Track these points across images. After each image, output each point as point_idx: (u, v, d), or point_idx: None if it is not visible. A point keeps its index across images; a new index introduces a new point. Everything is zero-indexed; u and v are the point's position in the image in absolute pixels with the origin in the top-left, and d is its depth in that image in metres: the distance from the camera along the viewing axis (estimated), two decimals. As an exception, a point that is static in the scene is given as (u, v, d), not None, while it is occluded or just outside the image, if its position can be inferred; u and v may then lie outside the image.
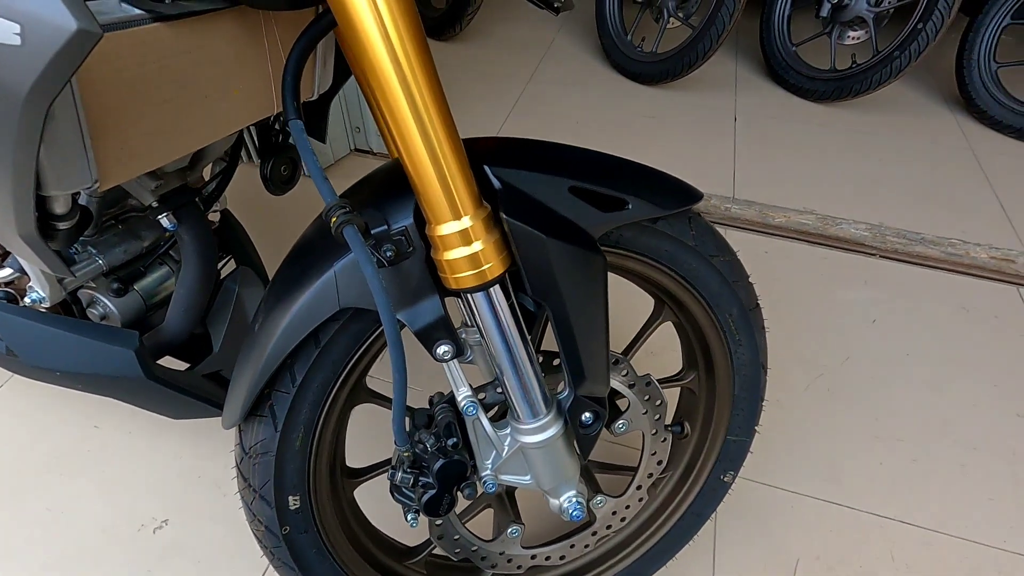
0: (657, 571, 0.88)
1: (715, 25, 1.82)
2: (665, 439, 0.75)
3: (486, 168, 0.50)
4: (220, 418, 0.77)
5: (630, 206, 0.56)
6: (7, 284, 0.76)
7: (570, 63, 2.29)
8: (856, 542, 1.01)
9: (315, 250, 0.55)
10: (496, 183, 0.50)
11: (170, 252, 0.84)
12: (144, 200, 0.68)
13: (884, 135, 1.92)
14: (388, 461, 0.73)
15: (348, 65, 0.53)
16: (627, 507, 0.78)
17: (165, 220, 0.70)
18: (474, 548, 0.72)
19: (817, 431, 1.16)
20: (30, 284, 0.71)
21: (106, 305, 0.78)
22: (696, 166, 1.80)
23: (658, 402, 0.72)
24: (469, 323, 0.58)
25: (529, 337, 0.57)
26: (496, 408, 0.68)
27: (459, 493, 0.60)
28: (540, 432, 0.60)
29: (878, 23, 1.89)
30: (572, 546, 0.78)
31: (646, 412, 0.72)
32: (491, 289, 0.51)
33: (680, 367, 0.83)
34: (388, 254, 0.50)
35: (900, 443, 1.15)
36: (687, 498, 0.85)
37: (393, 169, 0.60)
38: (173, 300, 0.78)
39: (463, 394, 0.58)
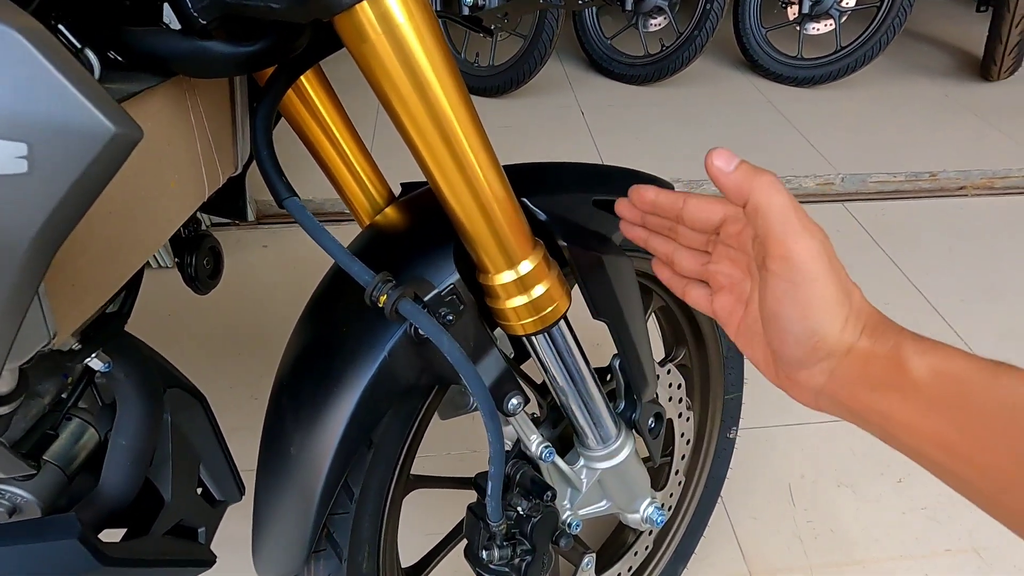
0: (699, 543, 0.91)
1: (544, 31, 1.93)
2: (689, 418, 0.78)
3: (524, 200, 0.47)
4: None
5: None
6: None
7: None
8: (824, 451, 1.14)
9: (339, 341, 0.47)
10: (541, 215, 0.47)
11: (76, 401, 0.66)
12: (64, 345, 0.52)
13: (703, 103, 2.19)
14: (442, 547, 0.65)
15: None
16: (671, 495, 0.79)
17: (96, 362, 0.54)
18: (557, 596, 0.67)
19: (750, 367, 1.29)
20: (-94, 505, 0.51)
21: (15, 495, 0.59)
22: (569, 160, 1.89)
23: (679, 385, 0.74)
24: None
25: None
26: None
27: (555, 546, 0.55)
28: (616, 455, 0.58)
29: (673, 9, 2.15)
30: (636, 553, 0.77)
31: (671, 399, 0.74)
32: (556, 327, 0.48)
33: (664, 352, 0.86)
34: (448, 318, 0.45)
35: (818, 355, 1.32)
36: (705, 464, 0.89)
37: (394, 228, 0.53)
38: (110, 455, 0.62)
39: (536, 442, 0.54)
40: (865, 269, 1.54)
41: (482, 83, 2.12)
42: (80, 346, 0.54)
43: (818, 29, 2.21)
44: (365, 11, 0.34)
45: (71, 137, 0.22)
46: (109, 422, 0.67)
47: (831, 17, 2.17)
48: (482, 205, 0.41)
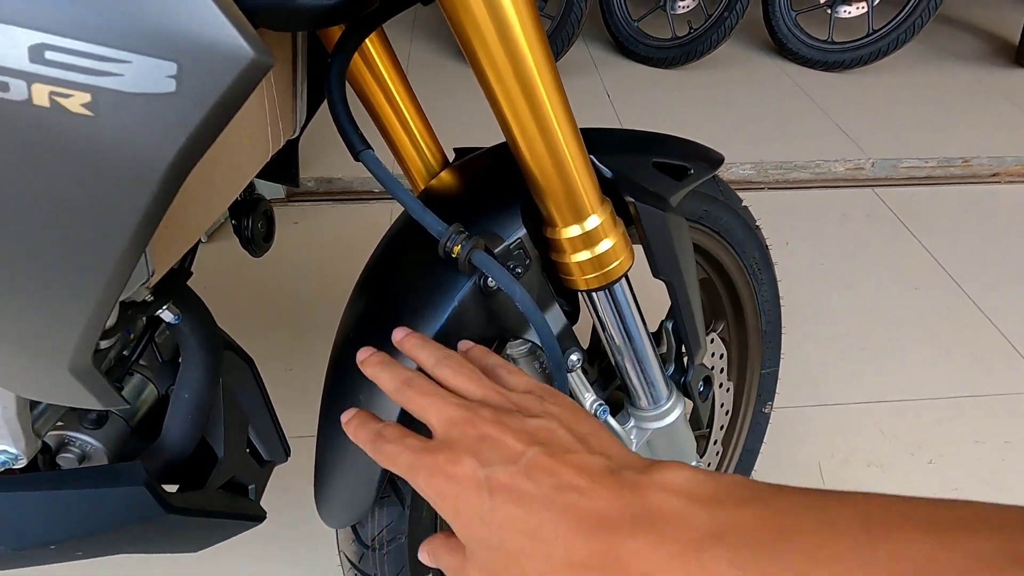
0: (732, 516, 0.92)
1: (573, 13, 1.92)
2: (729, 389, 0.79)
3: (592, 157, 0.48)
4: (249, 531, 0.66)
5: (691, 171, 0.57)
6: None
7: (434, 70, 2.27)
8: (852, 430, 1.15)
9: (407, 291, 0.49)
10: (607, 172, 0.48)
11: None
12: (137, 296, 0.54)
13: (731, 87, 2.17)
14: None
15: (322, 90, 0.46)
16: (709, 464, 0.80)
17: (167, 314, 0.56)
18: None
19: (785, 348, 1.29)
20: (-9, 445, 0.53)
21: (85, 442, 0.61)
22: (592, 144, 1.89)
23: (721, 355, 0.75)
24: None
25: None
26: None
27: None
28: (667, 415, 0.59)
29: (702, -10, 2.13)
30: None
31: (712, 368, 0.74)
32: (618, 284, 0.49)
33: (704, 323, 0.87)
34: (517, 271, 0.46)
35: (847, 337, 1.32)
36: (740, 438, 0.90)
37: (462, 184, 0.54)
38: (172, 408, 0.64)
39: (590, 400, 0.55)
40: (896, 254, 1.53)
41: (508, 65, 2.11)
42: (152, 298, 0.56)
43: (850, 12, 2.17)
44: (462, -37, 0.34)
45: (216, 59, 0.24)
46: (168, 378, 0.69)
47: (863, 0, 2.14)
48: (557, 158, 0.42)
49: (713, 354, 0.74)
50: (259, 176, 0.64)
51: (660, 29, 2.24)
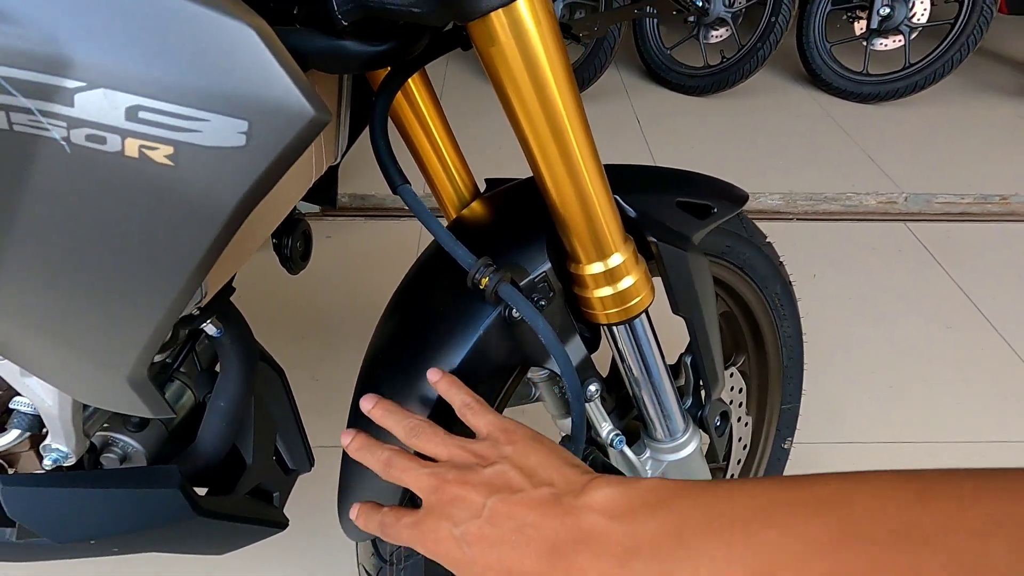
0: (747, 551, 0.91)
1: (606, 39, 1.96)
2: (747, 423, 0.79)
3: (616, 197, 0.50)
4: (271, 537, 0.69)
5: (715, 210, 0.59)
6: (-13, 454, 0.61)
7: (471, 88, 2.32)
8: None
9: (435, 318, 0.51)
10: (631, 212, 0.50)
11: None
12: (188, 309, 0.58)
13: (762, 116, 2.17)
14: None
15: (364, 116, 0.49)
16: (724, 498, 0.80)
17: (211, 327, 0.60)
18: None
19: (809, 382, 1.27)
20: (45, 443, 0.57)
21: (127, 443, 0.65)
22: (621, 169, 1.91)
23: (741, 390, 0.75)
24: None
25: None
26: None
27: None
28: (683, 448, 0.60)
29: (736, 21, 2.15)
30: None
31: (731, 402, 0.75)
32: (638, 320, 0.51)
33: (724, 357, 0.87)
34: (541, 303, 0.48)
35: (874, 374, 1.30)
36: (759, 472, 0.90)
37: (491, 216, 0.57)
38: (208, 416, 0.67)
39: (607, 429, 0.56)
40: (928, 290, 1.50)
41: (540, 88, 2.16)
42: (199, 312, 0.59)
43: (886, 45, 2.16)
44: (499, 16, 0.37)
45: (281, 117, 0.27)
46: (206, 386, 0.73)
47: (900, 33, 2.13)
48: (583, 198, 0.44)
49: (732, 388, 0.74)
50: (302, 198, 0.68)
51: (693, 57, 2.26)
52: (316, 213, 1.73)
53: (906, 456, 1.15)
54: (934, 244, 1.65)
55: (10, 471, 0.63)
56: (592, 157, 0.44)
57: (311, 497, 0.98)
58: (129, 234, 0.29)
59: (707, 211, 0.58)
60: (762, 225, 1.92)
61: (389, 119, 0.63)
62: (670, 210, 0.53)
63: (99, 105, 0.25)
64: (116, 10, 0.24)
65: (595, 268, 0.47)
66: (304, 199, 0.74)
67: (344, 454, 0.60)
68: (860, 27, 2.19)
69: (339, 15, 0.42)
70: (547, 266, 0.49)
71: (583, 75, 2.06)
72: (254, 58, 0.26)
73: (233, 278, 0.70)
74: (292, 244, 0.74)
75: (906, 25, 2.11)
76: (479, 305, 0.48)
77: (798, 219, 1.75)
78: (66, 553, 0.60)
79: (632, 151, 1.99)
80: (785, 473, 0.92)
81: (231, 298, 0.70)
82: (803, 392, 0.89)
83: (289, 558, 0.98)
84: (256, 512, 0.72)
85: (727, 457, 0.78)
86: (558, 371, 0.46)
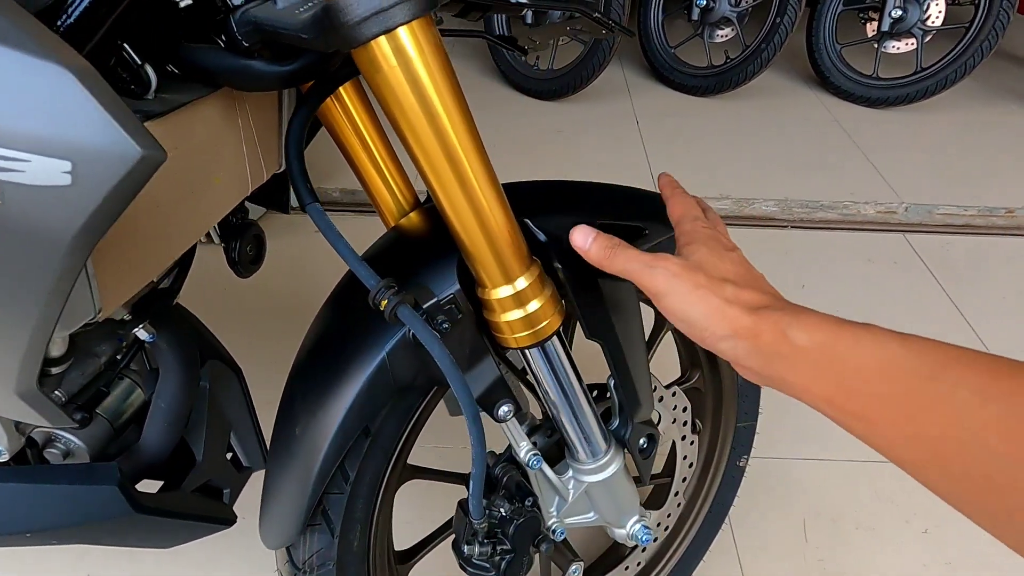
0: (697, 566, 0.91)
1: (606, 38, 1.93)
2: (693, 442, 0.78)
3: (527, 221, 0.49)
4: (227, 533, 0.70)
5: (647, 232, 0.58)
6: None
7: (468, 85, 2.31)
8: (846, 489, 1.11)
9: (347, 336, 0.52)
10: (540, 235, 0.50)
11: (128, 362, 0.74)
12: (116, 315, 0.59)
13: (765, 119, 2.13)
14: (434, 536, 0.69)
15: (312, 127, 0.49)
16: (668, 515, 0.80)
17: (142, 332, 0.61)
18: (541, 599, 0.70)
19: (784, 396, 1.25)
20: (-21, 440, 0.59)
21: (69, 440, 0.67)
22: (616, 169, 1.89)
23: (684, 408, 0.74)
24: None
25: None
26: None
27: (535, 550, 0.58)
28: (604, 469, 0.60)
29: (741, 20, 2.10)
30: (627, 568, 0.79)
31: (675, 420, 0.74)
32: (548, 343, 0.51)
33: (680, 373, 0.86)
34: (444, 326, 0.48)
35: (854, 391, 1.27)
36: (711, 490, 0.89)
37: (414, 233, 0.57)
38: (151, 415, 0.69)
39: (525, 449, 0.56)
40: (920, 306, 1.46)
41: (540, 87, 2.14)
42: (130, 317, 0.61)
43: (898, 48, 2.09)
44: (380, 45, 0.37)
45: (107, 158, 0.27)
46: (155, 384, 0.75)
47: (913, 36, 2.06)
48: (482, 224, 0.44)
49: (675, 407, 0.73)
50: (250, 201, 0.69)
51: (697, 57, 2.22)
52: (286, 212, 1.74)
53: (882, 476, 1.12)
54: (932, 257, 1.61)
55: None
56: (489, 182, 0.43)
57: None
58: (-29, 265, 0.30)
59: (638, 233, 0.57)
60: (756, 232, 1.90)
61: (326, 129, 0.63)
62: (590, 233, 0.52)
63: (-85, 146, 0.25)
64: (-73, 55, 0.25)
65: (500, 292, 0.47)
66: (254, 203, 0.75)
67: (268, 460, 0.61)
68: (872, 29, 2.12)
69: (239, 36, 0.43)
70: (455, 288, 0.49)
71: (583, 72, 2.04)
72: (73, 100, 0.26)
73: (181, 283, 0.72)
74: (241, 248, 0.75)
75: (919, 28, 2.04)
76: (385, 326, 0.49)
77: (793, 227, 1.72)
78: (2, 544, 0.62)
79: (627, 151, 1.96)
80: (753, 488, 0.91)
81: (213, 289, 0.71)
82: (767, 406, 0.88)
83: (251, 551, 1.01)
84: (201, 509, 0.74)
85: (671, 474, 0.78)
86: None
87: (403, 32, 0.37)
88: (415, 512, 0.99)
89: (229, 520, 0.75)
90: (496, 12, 0.50)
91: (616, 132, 2.04)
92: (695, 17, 2.14)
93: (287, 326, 1.42)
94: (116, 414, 0.73)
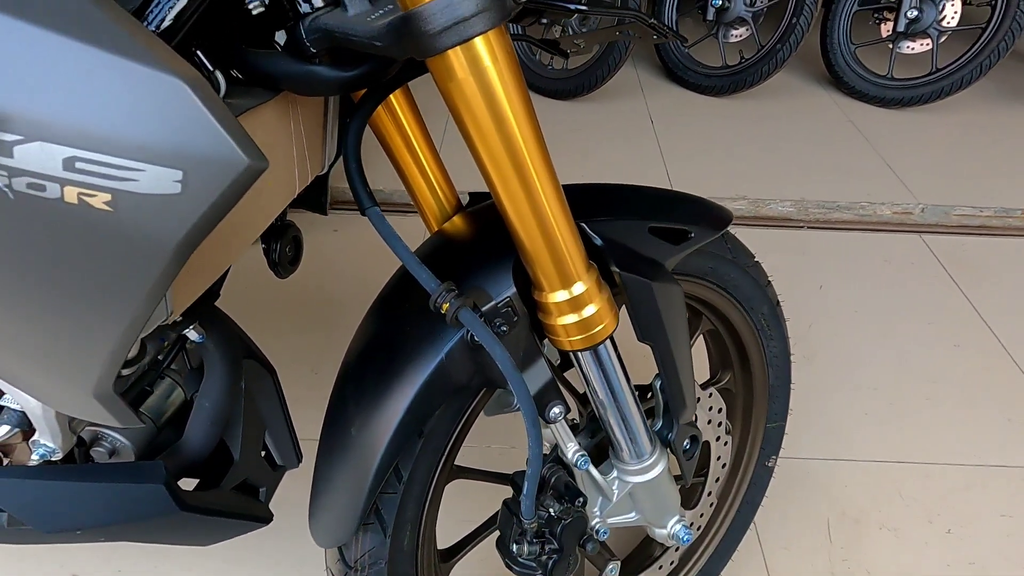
0: (726, 566, 0.91)
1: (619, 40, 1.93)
2: (727, 442, 0.79)
3: (583, 225, 0.50)
4: (253, 532, 0.70)
5: (692, 235, 0.59)
6: (-17, 444, 0.64)
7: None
8: (869, 489, 1.11)
9: (403, 338, 0.52)
10: (597, 240, 0.50)
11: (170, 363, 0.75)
12: (150, 328, 0.60)
13: (779, 119, 2.13)
14: (476, 534, 0.70)
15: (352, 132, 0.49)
16: (701, 515, 0.81)
17: (192, 333, 0.62)
18: (580, 598, 0.70)
19: (808, 397, 1.26)
20: (33, 439, 0.60)
21: (115, 439, 0.67)
22: (634, 169, 1.89)
23: (720, 409, 0.75)
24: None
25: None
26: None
27: (581, 550, 0.58)
28: (649, 470, 0.60)
29: (756, 20, 2.10)
30: (660, 567, 0.79)
31: (710, 421, 0.75)
32: (602, 346, 0.51)
33: (709, 374, 0.87)
34: (503, 328, 0.48)
35: (876, 391, 1.28)
36: (740, 490, 0.89)
37: (460, 236, 0.58)
38: (195, 414, 0.70)
39: (572, 449, 0.57)
40: (938, 307, 1.47)
41: (554, 86, 2.14)
42: (181, 319, 0.61)
43: (913, 48, 2.09)
44: (457, 54, 0.38)
45: (215, 167, 0.28)
46: (195, 384, 0.75)
47: (928, 36, 2.06)
48: (543, 230, 0.45)
49: (711, 408, 0.74)
50: (289, 205, 0.70)
51: (711, 56, 2.22)
52: (325, 214, 1.75)
53: (906, 477, 1.13)
54: (948, 258, 1.61)
55: (5, 462, 0.66)
56: (553, 188, 0.44)
57: (306, 489, 1.01)
58: (77, 270, 0.30)
59: (683, 236, 0.58)
60: (772, 233, 1.90)
61: (373, 135, 0.64)
62: (641, 236, 0.53)
63: (37, 156, 0.26)
64: (50, 67, 0.25)
65: (558, 296, 0.48)
66: (294, 206, 0.76)
67: (318, 460, 0.61)
68: (887, 29, 2.12)
69: (307, 43, 0.43)
70: (512, 291, 0.49)
71: (598, 73, 2.04)
72: (187, 110, 0.27)
73: (220, 284, 0.72)
74: (280, 249, 0.76)
75: (935, 28, 2.04)
76: (443, 328, 0.49)
77: (809, 227, 1.72)
78: (53, 539, 0.63)
79: (644, 151, 1.97)
80: (777, 488, 0.91)
81: (230, 292, 0.72)
82: (792, 407, 0.89)
83: (277, 547, 1.01)
84: (241, 507, 0.75)
85: (705, 475, 0.78)
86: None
87: (479, 41, 0.37)
88: (456, 512, 0.99)
89: (267, 518, 0.76)
90: (549, 19, 0.51)
91: (631, 132, 2.05)
92: (710, 17, 2.14)
93: (308, 325, 1.43)
94: (158, 413, 0.74)
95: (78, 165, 0.26)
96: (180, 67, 0.27)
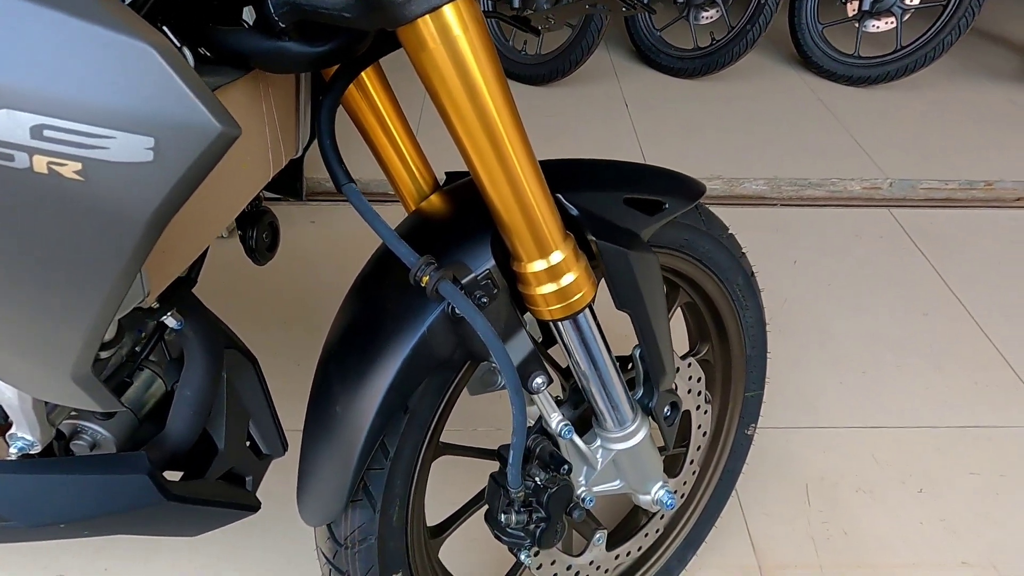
0: (710, 532, 0.94)
1: (593, 22, 1.93)
2: (707, 411, 0.81)
3: (559, 196, 0.51)
4: (239, 522, 0.71)
5: (667, 206, 0.60)
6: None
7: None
8: (845, 455, 1.15)
9: (383, 315, 0.52)
10: (573, 210, 0.51)
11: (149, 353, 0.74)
12: (145, 305, 0.59)
13: (751, 99, 2.16)
14: (464, 510, 0.71)
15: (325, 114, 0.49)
16: (684, 483, 0.83)
17: (170, 320, 0.61)
18: (568, 567, 0.72)
19: (783, 369, 1.29)
20: (10, 433, 0.59)
21: (96, 431, 0.67)
22: (610, 152, 1.90)
23: (699, 379, 0.77)
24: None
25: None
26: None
27: (568, 517, 0.60)
28: (631, 437, 0.62)
29: (726, 2, 2.12)
30: (646, 535, 0.81)
31: (690, 391, 0.77)
32: (581, 315, 0.52)
33: (688, 346, 0.89)
34: (483, 300, 0.49)
35: (848, 360, 1.32)
36: (721, 458, 0.92)
37: (438, 213, 0.58)
38: (176, 404, 0.69)
39: (556, 419, 0.58)
40: (907, 278, 1.51)
41: (528, 71, 2.14)
42: (158, 305, 0.61)
43: (878, 27, 2.13)
44: (427, 23, 0.38)
45: (187, 134, 0.28)
46: (175, 374, 0.75)
47: (892, 15, 2.10)
48: (519, 200, 0.45)
49: (690, 378, 0.76)
50: (264, 189, 0.69)
51: (683, 39, 2.23)
52: (301, 199, 1.73)
53: (879, 442, 1.17)
54: (916, 230, 1.66)
55: (-17, 458, 0.65)
56: (527, 158, 0.44)
57: (292, 480, 1.01)
58: (49, 244, 0.30)
59: (658, 207, 0.59)
60: (746, 210, 1.94)
61: (347, 115, 0.64)
62: (616, 207, 0.54)
63: (4, 124, 0.26)
64: (16, 32, 0.25)
65: (536, 266, 0.49)
66: (269, 191, 0.75)
67: (304, 440, 0.61)
68: (852, 8, 2.16)
69: (276, 18, 0.43)
70: (491, 264, 0.50)
71: (571, 57, 2.04)
72: (156, 76, 0.27)
73: (198, 270, 0.71)
74: (257, 236, 0.75)
75: (899, 6, 2.08)
76: (424, 302, 0.50)
77: (782, 205, 1.75)
78: (38, 535, 0.62)
79: (619, 134, 1.98)
80: (755, 455, 0.94)
81: (207, 283, 0.71)
82: (768, 379, 0.91)
83: (265, 538, 1.01)
84: (227, 496, 0.75)
85: (687, 443, 0.80)
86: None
87: (449, 10, 0.38)
88: (443, 491, 1.00)
89: (254, 506, 0.76)
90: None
91: (606, 116, 2.06)
92: (680, 0, 2.15)
93: (288, 317, 1.41)
94: (139, 404, 0.73)
95: (46, 133, 0.26)
96: (149, 33, 0.27)
